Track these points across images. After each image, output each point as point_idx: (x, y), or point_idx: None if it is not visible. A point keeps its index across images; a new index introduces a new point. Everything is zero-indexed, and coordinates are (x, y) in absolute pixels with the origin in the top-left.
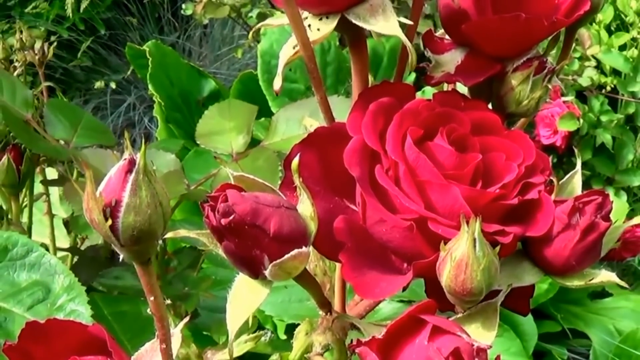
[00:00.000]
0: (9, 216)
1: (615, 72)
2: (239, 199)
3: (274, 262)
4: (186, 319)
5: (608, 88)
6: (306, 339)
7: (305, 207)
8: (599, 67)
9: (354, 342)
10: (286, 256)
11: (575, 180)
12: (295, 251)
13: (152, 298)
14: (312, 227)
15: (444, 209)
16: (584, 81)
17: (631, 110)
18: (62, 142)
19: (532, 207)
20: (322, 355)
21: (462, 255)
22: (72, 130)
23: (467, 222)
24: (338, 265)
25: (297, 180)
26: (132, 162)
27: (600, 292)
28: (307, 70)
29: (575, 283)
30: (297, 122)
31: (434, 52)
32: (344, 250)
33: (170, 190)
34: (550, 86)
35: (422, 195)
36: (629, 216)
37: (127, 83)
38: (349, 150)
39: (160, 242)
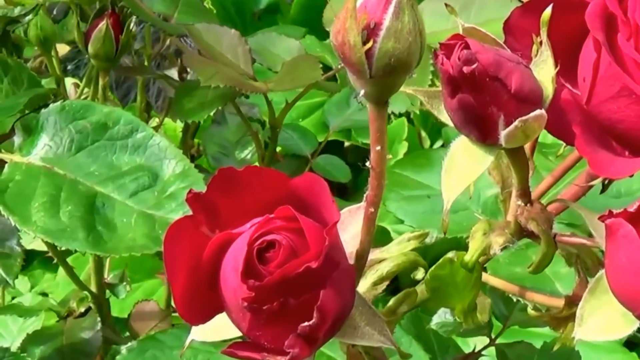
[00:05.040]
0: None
1: None
2: (481, 48)
3: (521, 119)
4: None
5: None
6: (484, 240)
7: (547, 68)
8: None
9: (606, 214)
10: (532, 114)
11: None
12: (538, 111)
13: (378, 148)
14: (549, 90)
15: None
16: None
17: None
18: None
19: None
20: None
21: None
22: (173, 6)
23: None
24: None
25: (543, 36)
26: None
27: None
28: None
29: None
30: (444, 16)
31: None
32: (576, 123)
33: (303, 76)
34: None
35: None
36: None
37: None
38: (591, 14)
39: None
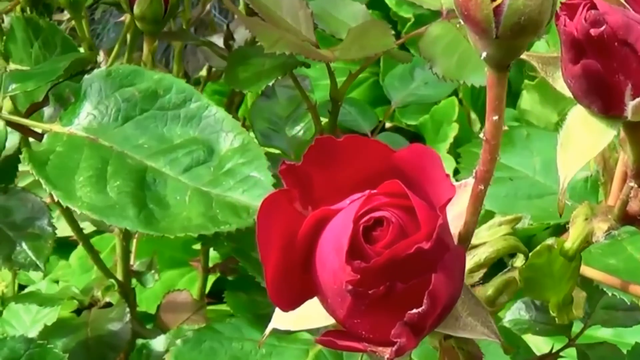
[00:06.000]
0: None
1: None
2: (610, 8)
3: None
4: None
5: None
6: (586, 225)
7: None
8: None
9: None
10: None
11: None
12: None
13: (495, 117)
14: None
15: None
16: None
17: None
18: None
19: None
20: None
21: None
22: None
23: None
24: None
25: None
26: None
27: None
28: None
29: None
30: None
31: None
32: None
33: (373, 43)
34: None
35: None
36: None
37: None
38: None
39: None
